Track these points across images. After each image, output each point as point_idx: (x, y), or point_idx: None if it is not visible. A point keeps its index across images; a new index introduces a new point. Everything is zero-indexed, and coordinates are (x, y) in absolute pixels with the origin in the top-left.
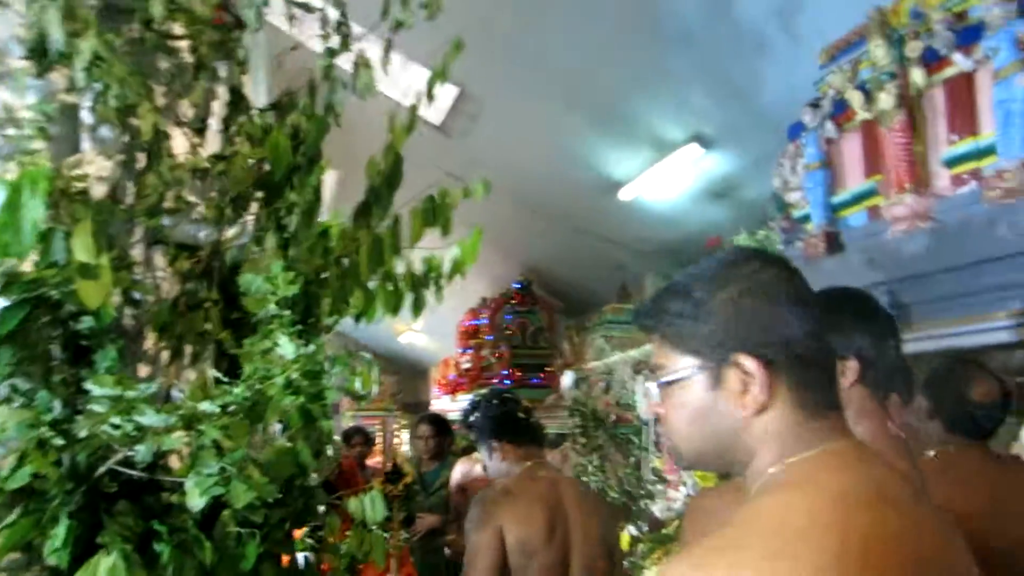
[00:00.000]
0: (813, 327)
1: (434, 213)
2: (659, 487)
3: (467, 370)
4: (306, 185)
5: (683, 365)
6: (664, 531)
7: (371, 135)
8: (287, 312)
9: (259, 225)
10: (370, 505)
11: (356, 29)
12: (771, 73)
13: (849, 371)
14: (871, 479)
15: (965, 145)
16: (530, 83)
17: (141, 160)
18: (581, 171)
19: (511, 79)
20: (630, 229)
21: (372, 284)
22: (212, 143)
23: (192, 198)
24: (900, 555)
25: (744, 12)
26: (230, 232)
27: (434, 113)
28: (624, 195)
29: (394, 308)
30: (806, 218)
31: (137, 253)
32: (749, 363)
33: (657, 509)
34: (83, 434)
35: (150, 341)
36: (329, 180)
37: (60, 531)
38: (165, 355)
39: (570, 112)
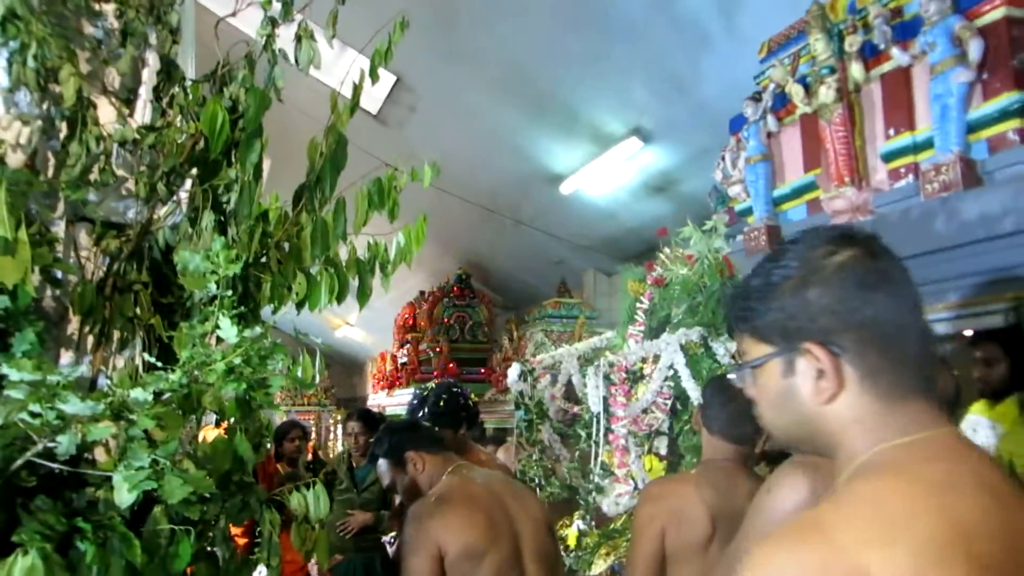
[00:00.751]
0: (895, 310)
1: (380, 197)
2: (607, 482)
3: (404, 364)
4: (246, 162)
5: (758, 352)
6: (612, 527)
7: (303, 122)
8: (228, 293)
9: (194, 203)
10: (314, 501)
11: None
12: (711, 67)
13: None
14: (969, 468)
15: (902, 139)
16: (469, 73)
17: (63, 129)
18: (521, 164)
19: (449, 69)
20: (570, 223)
21: (314, 270)
22: (143, 116)
23: (120, 172)
24: (1004, 546)
25: (686, 5)
26: (162, 211)
27: (370, 102)
28: (564, 188)
29: (339, 295)
30: (748, 211)
31: (61, 231)
32: (817, 351)
33: (605, 504)
34: None
35: (74, 325)
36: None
37: None
38: (91, 340)
39: (510, 104)
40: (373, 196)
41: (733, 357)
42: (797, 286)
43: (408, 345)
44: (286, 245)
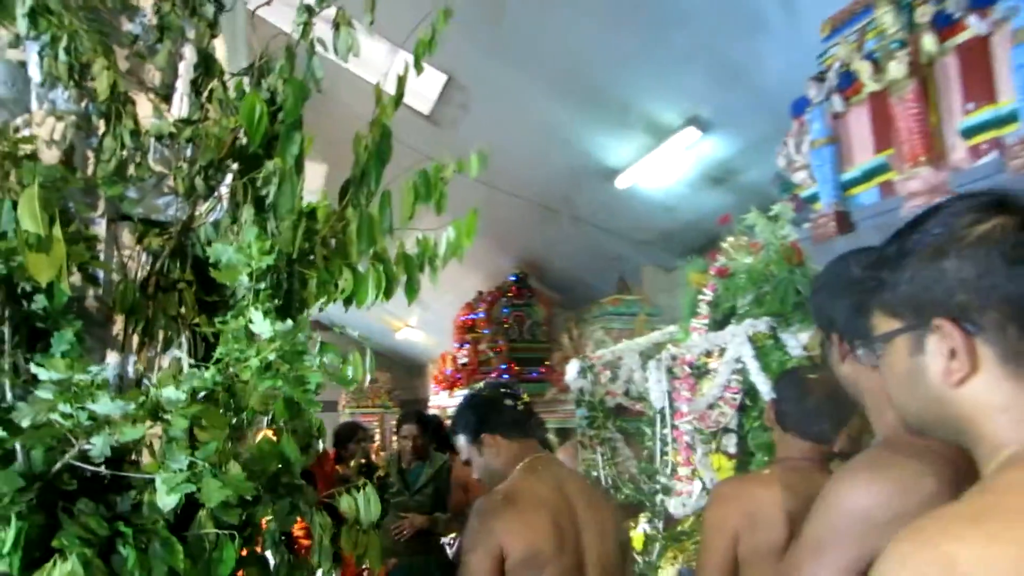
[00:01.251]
0: None
1: (427, 189)
2: (674, 482)
3: (464, 365)
4: (286, 154)
5: (887, 326)
6: (680, 528)
7: (359, 125)
8: (262, 286)
9: (235, 199)
10: (364, 503)
11: None
12: (769, 51)
13: None
14: None
15: (983, 113)
16: (519, 69)
17: (100, 126)
18: (575, 159)
19: (500, 66)
20: (627, 218)
21: (363, 267)
22: (180, 111)
23: (159, 168)
24: None
25: None
26: (203, 207)
27: (422, 102)
28: (620, 183)
29: (386, 291)
30: (814, 198)
31: (102, 229)
32: (949, 328)
33: (671, 505)
34: (26, 423)
35: (119, 325)
36: (318, 173)
37: (10, 533)
38: (135, 340)
39: (562, 98)
40: (419, 188)
41: (804, 349)
42: (933, 255)
43: (467, 346)
44: (332, 241)
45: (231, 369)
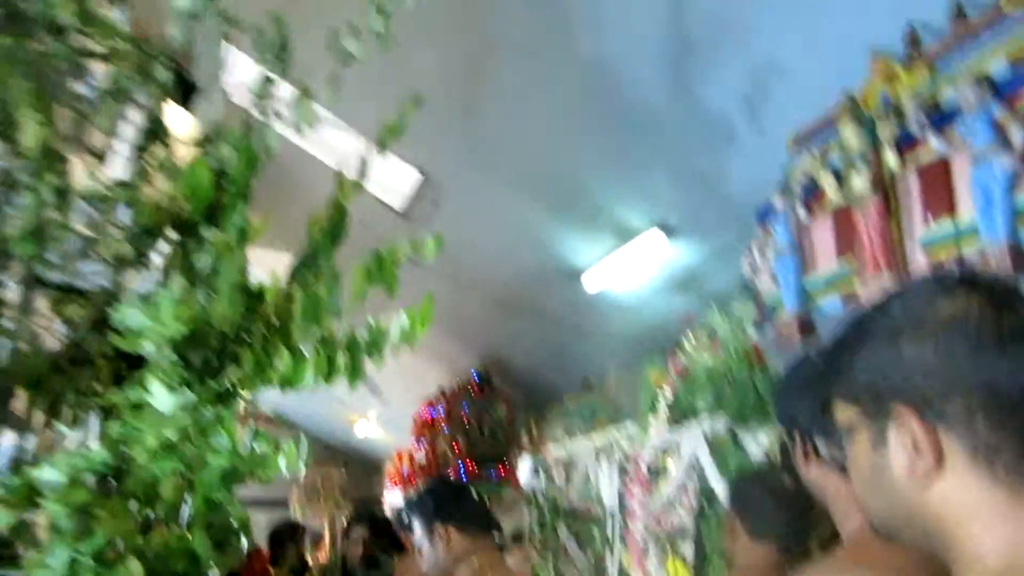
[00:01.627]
0: (1019, 373)
1: (380, 271)
2: None
3: (422, 465)
4: (228, 224)
5: (846, 416)
6: None
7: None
8: (170, 353)
9: (167, 267)
10: None
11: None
12: (736, 162)
13: None
14: None
15: (943, 226)
16: (491, 169)
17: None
18: (542, 258)
19: (473, 166)
20: (592, 319)
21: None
22: (121, 174)
23: (87, 232)
24: None
25: (710, 100)
26: (131, 276)
27: (397, 199)
28: (588, 285)
29: (326, 373)
30: (777, 304)
31: (16, 295)
32: (908, 418)
33: None
34: None
35: (23, 401)
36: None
37: None
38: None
39: (533, 199)
40: (372, 270)
41: (765, 452)
42: (891, 337)
43: (425, 443)
44: (275, 321)
45: (123, 448)
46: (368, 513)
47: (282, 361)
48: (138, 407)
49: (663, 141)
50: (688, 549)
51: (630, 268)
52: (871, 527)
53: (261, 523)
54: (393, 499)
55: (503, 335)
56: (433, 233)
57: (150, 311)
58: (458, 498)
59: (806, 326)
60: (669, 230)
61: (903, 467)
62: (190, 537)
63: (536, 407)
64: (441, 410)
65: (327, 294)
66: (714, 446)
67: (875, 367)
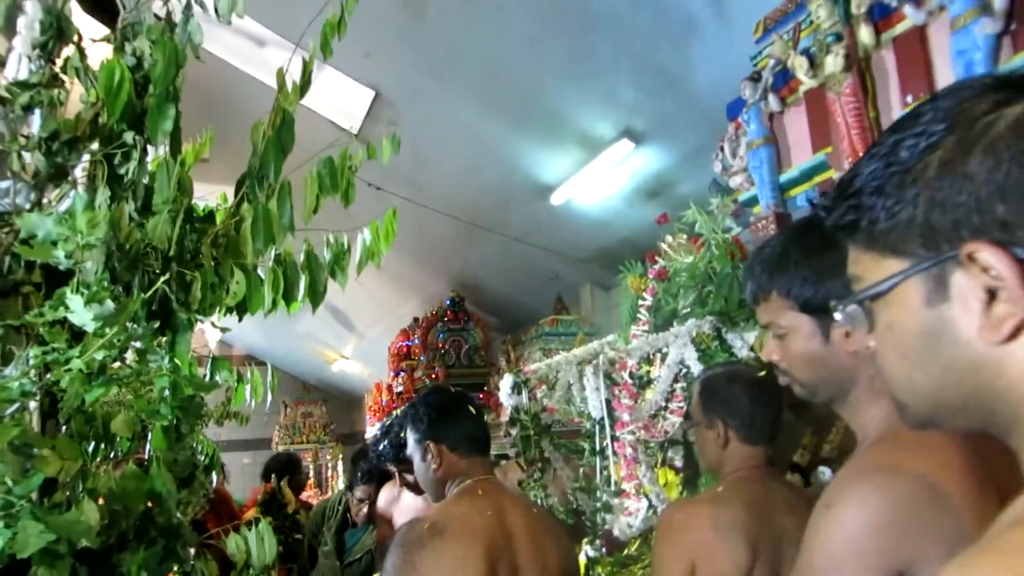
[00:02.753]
0: None
1: (333, 178)
2: (616, 500)
3: (400, 394)
4: (156, 130)
5: (882, 272)
6: (625, 552)
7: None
8: (93, 266)
9: (89, 180)
10: (257, 542)
11: None
12: (702, 57)
13: None
14: None
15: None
16: (448, 83)
17: None
18: (508, 176)
19: (428, 80)
20: (563, 236)
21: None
22: (18, 74)
23: None
24: None
25: None
26: (52, 194)
27: (350, 120)
28: (555, 199)
29: (286, 295)
30: (752, 201)
31: None
32: (989, 256)
33: (616, 527)
34: None
35: None
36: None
37: None
38: None
39: (493, 112)
40: (324, 178)
41: (751, 349)
42: (948, 159)
43: (403, 373)
44: (224, 242)
45: (49, 375)
46: (378, 471)
47: (236, 283)
48: (59, 325)
49: (625, 39)
50: (678, 457)
51: (599, 180)
52: (905, 416)
53: (244, 463)
54: (375, 431)
55: (474, 259)
56: (395, 157)
57: (63, 219)
58: (454, 415)
59: (783, 220)
60: (636, 136)
61: (975, 323)
62: (149, 474)
63: (512, 330)
64: (416, 339)
65: (278, 208)
66: (700, 347)
67: (930, 199)
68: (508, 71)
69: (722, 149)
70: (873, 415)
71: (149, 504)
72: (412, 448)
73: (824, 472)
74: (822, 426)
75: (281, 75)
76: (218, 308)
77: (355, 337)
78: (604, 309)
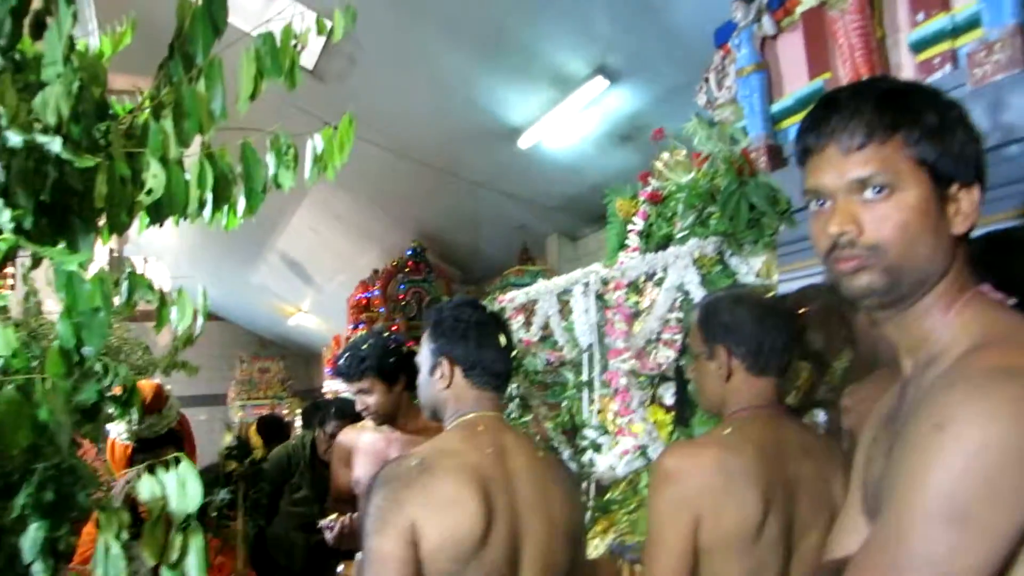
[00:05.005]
0: None
1: (274, 57)
2: (605, 438)
3: None
4: None
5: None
6: (608, 496)
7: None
8: None
9: None
10: (177, 487)
11: None
12: None
13: None
14: None
15: (936, 22)
16: (411, 14)
17: None
18: (474, 117)
19: (390, 12)
20: (530, 183)
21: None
22: None
23: None
24: None
25: None
26: None
27: (306, 56)
28: (523, 143)
29: (217, 191)
30: (739, 136)
31: None
32: None
33: (599, 466)
34: None
35: None
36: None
37: None
38: None
39: (461, 49)
40: (263, 58)
41: (758, 275)
42: None
43: (362, 326)
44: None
45: None
46: (344, 404)
47: (152, 176)
48: None
49: None
50: (669, 394)
51: (570, 121)
52: None
53: (201, 419)
54: (333, 385)
55: (436, 208)
56: (354, 95)
57: None
58: (483, 338)
59: (775, 154)
60: (611, 74)
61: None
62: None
63: (475, 282)
64: (376, 291)
65: (207, 90)
66: (701, 272)
67: None
68: (475, 1)
69: (707, 80)
70: (968, 313)
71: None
72: (423, 356)
73: (818, 415)
74: (821, 363)
75: None
76: (133, 212)
77: (312, 290)
78: (571, 260)
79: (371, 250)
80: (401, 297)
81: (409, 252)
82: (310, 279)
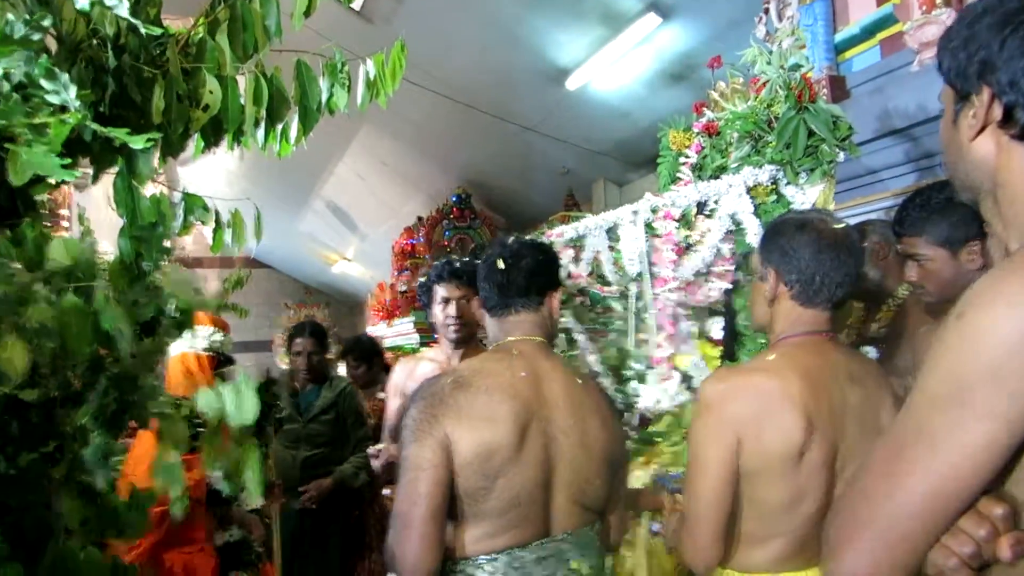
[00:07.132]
0: None
1: None
2: (650, 371)
3: (403, 293)
4: None
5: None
6: (652, 427)
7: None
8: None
9: None
10: (233, 398)
11: None
12: None
13: None
14: None
15: None
16: None
17: None
18: (521, 57)
19: None
20: (577, 126)
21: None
22: None
23: None
24: None
25: None
26: None
27: None
28: (571, 84)
29: (270, 109)
30: (798, 67)
31: None
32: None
33: (643, 399)
34: None
35: None
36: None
37: None
38: None
39: None
40: None
41: (814, 206)
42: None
43: (407, 272)
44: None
45: None
46: (311, 323)
47: (208, 92)
48: None
49: None
50: (717, 328)
51: (619, 61)
52: None
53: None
54: (378, 331)
55: (483, 154)
56: (393, 36)
57: None
58: (509, 274)
59: (838, 86)
60: (664, 10)
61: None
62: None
63: (520, 228)
64: (421, 238)
65: (262, 7)
66: (755, 202)
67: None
68: None
69: (766, 10)
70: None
71: (100, 350)
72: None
73: (869, 351)
74: (873, 302)
75: None
76: (190, 130)
77: (357, 238)
78: (617, 207)
79: (416, 197)
80: (446, 244)
81: (454, 199)
82: (355, 226)
